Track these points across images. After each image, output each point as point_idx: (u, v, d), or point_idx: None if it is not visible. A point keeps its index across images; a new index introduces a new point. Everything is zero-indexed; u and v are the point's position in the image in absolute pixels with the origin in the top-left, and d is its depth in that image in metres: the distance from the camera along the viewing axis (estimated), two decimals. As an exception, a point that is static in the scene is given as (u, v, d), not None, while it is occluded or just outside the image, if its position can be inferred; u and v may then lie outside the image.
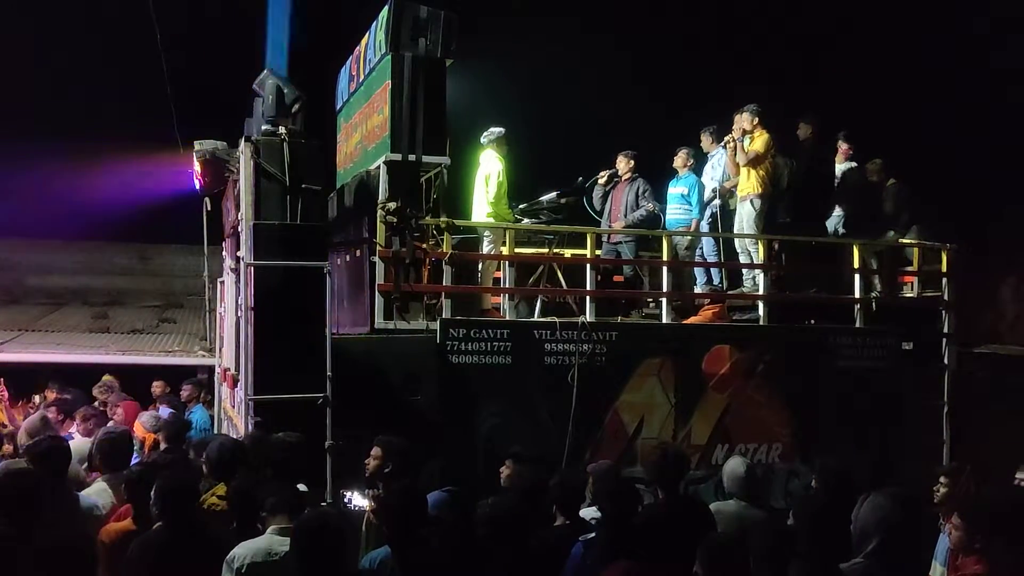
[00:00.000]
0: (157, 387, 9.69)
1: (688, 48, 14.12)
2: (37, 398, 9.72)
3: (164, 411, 8.43)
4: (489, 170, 8.19)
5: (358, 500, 4.91)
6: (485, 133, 8.29)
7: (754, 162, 8.67)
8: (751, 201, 8.74)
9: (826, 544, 3.91)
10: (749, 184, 8.76)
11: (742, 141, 8.75)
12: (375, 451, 5.24)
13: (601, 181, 9.45)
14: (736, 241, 8.93)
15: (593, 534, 4.50)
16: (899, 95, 13.68)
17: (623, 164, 9.34)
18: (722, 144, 9.18)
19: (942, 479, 5.50)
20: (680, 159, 9.33)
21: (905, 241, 9.53)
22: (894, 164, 10.01)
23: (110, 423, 7.75)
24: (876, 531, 4.16)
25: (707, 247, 9.22)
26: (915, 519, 4.78)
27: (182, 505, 4.24)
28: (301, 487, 4.74)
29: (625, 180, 9.33)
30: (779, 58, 13.96)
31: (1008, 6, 12.18)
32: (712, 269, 9.07)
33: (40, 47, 13.32)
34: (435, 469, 5.38)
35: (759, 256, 8.62)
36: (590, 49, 13.40)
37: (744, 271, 8.94)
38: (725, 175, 9.18)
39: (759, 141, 8.71)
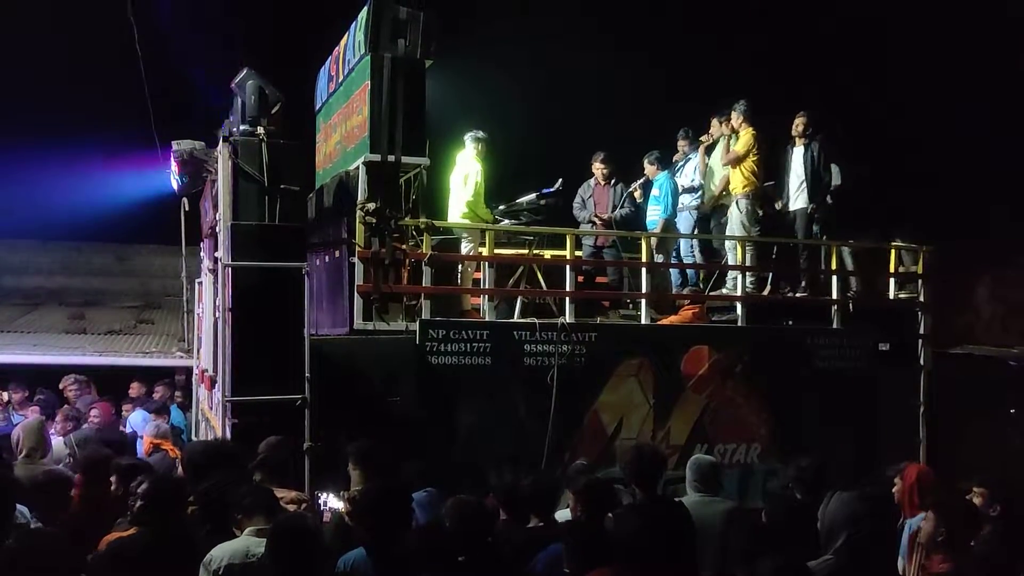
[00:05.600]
0: (133, 389, 9.62)
1: (672, 48, 14.12)
2: None
3: (138, 414, 8.38)
4: (467, 170, 8.20)
5: (333, 502, 4.88)
6: (470, 133, 8.29)
7: (735, 163, 8.75)
8: (737, 202, 8.80)
9: (799, 541, 3.94)
10: (735, 184, 8.81)
11: (730, 138, 8.82)
12: (353, 472, 5.17)
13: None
14: (724, 241, 8.96)
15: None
16: (896, 94, 13.75)
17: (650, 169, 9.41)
18: (694, 146, 9.28)
19: (896, 480, 5.61)
20: (650, 170, 9.38)
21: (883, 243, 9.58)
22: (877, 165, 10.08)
23: (84, 425, 7.68)
24: (844, 527, 4.20)
25: (683, 247, 9.27)
26: (884, 516, 4.84)
27: (167, 511, 4.18)
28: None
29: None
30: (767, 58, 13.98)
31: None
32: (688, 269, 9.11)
33: (16, 46, 13.16)
34: (413, 471, 5.35)
35: (737, 258, 8.67)
36: (571, 50, 13.40)
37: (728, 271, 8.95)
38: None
39: (740, 141, 8.77)
